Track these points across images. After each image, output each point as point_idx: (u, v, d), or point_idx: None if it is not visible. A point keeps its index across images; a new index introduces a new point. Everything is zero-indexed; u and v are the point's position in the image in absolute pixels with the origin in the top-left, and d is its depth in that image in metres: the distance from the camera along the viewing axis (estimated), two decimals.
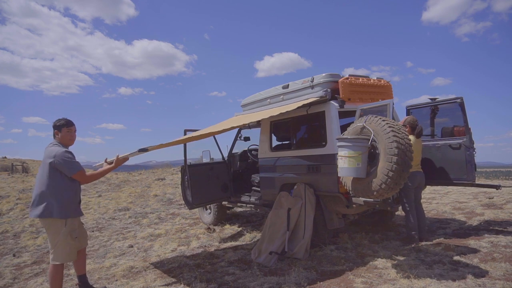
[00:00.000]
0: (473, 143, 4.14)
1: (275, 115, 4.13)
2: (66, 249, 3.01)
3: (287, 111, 4.14)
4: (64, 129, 3.13)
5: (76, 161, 3.04)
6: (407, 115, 4.73)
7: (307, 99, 4.19)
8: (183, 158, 5.04)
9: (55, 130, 3.15)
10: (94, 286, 3.48)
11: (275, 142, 5.14)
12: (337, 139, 3.45)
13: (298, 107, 4.12)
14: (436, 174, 4.43)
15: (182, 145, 5.01)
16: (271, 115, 4.07)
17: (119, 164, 3.23)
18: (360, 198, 3.50)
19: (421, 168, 4.30)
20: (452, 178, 4.32)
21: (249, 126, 5.77)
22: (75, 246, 3.10)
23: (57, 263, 3.00)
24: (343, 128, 3.88)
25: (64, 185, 3.00)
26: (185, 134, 4.93)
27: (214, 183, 5.34)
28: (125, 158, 3.33)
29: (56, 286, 3.02)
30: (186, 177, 5.04)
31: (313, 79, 4.24)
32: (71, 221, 3.05)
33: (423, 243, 4.16)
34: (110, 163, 3.27)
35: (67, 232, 3.00)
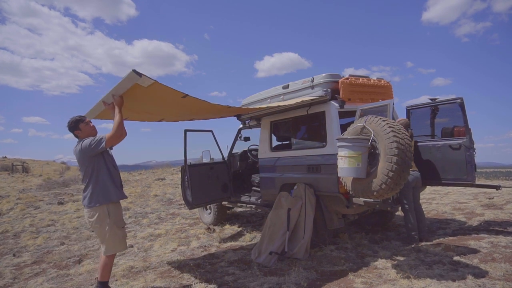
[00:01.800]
0: (473, 144, 4.14)
1: (275, 109, 4.02)
2: (115, 240, 3.07)
3: (286, 111, 4.14)
4: (81, 125, 3.12)
5: (97, 136, 3.03)
6: (407, 116, 4.73)
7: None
8: (183, 158, 5.04)
9: (76, 131, 3.12)
10: (94, 285, 3.49)
11: (275, 142, 5.14)
12: (337, 139, 3.45)
13: (298, 104, 4.11)
14: (436, 175, 4.43)
15: (182, 146, 5.00)
16: (270, 107, 4.02)
17: (118, 102, 3.02)
18: (360, 198, 3.50)
19: (417, 168, 4.32)
20: (452, 178, 4.32)
21: (249, 126, 5.78)
22: (123, 235, 3.18)
23: (108, 254, 3.07)
24: (343, 128, 3.89)
25: (98, 171, 3.05)
26: (185, 134, 4.93)
27: (214, 183, 5.35)
28: (119, 95, 3.05)
29: (107, 275, 3.11)
30: (186, 177, 5.03)
31: (313, 79, 4.24)
32: (114, 210, 3.08)
33: (423, 243, 4.16)
34: (112, 107, 3.10)
35: (112, 223, 3.05)
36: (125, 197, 3.23)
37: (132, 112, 3.97)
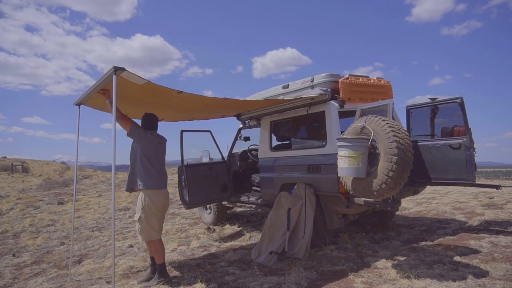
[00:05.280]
0: (473, 143, 4.13)
1: (275, 102, 4.03)
2: (160, 224, 3.52)
3: (287, 110, 4.15)
4: None
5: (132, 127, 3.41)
6: (407, 115, 4.72)
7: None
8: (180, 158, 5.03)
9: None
10: (94, 285, 3.49)
11: (275, 142, 5.14)
12: (337, 139, 3.44)
13: (298, 102, 4.11)
14: (436, 174, 4.42)
15: (180, 145, 4.99)
16: (271, 101, 4.07)
17: (107, 94, 3.30)
18: (360, 198, 3.50)
19: (418, 167, 4.32)
20: (452, 178, 4.31)
21: (249, 125, 5.77)
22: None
23: (154, 239, 3.46)
24: (343, 128, 3.88)
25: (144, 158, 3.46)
26: (181, 135, 4.91)
27: (212, 183, 5.32)
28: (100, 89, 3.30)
29: (162, 257, 3.48)
30: (183, 176, 5.02)
31: (313, 79, 4.24)
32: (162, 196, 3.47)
33: (423, 243, 4.16)
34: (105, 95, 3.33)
35: (160, 208, 3.45)
36: (164, 187, 3.56)
37: (130, 109, 4.06)
